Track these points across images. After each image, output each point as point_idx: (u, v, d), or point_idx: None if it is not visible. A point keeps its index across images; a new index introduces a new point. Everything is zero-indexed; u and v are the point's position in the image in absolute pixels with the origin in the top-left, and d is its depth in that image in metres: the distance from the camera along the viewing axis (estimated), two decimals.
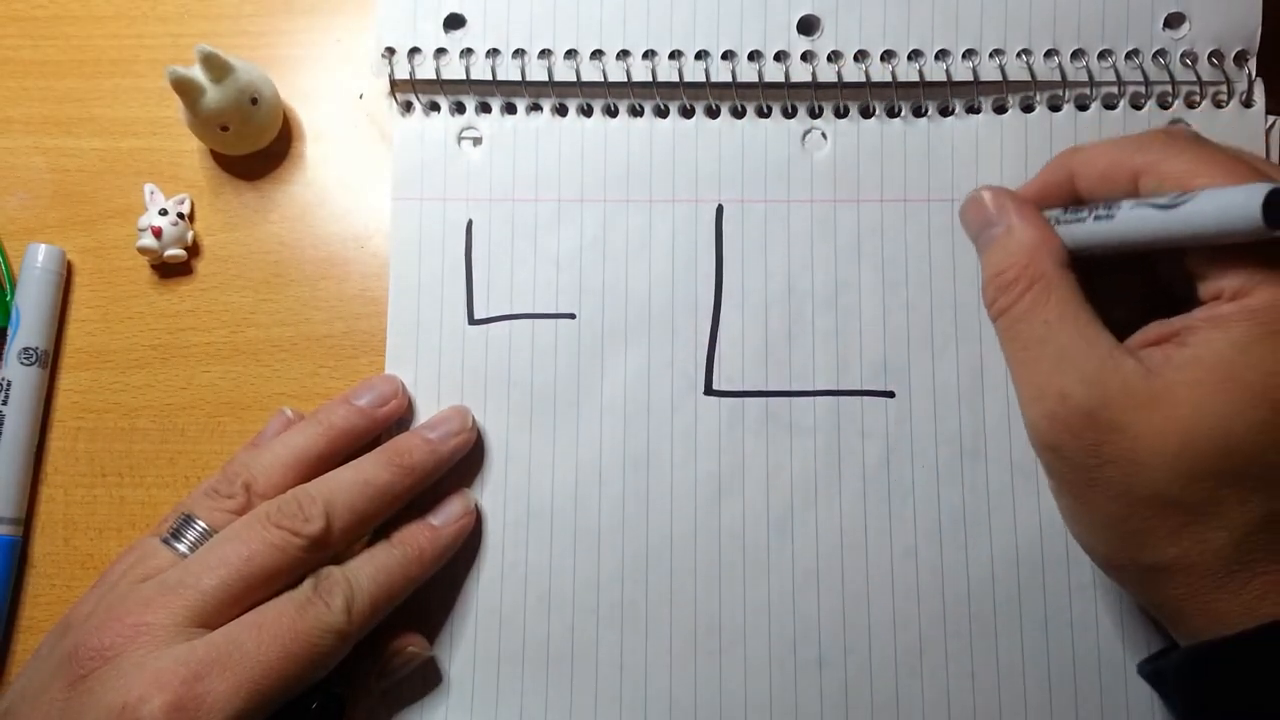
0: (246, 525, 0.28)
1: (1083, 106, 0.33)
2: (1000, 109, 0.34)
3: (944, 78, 0.33)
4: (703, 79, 0.34)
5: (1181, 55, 0.33)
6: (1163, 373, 0.23)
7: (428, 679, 0.32)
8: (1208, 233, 0.23)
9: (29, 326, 0.34)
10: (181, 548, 0.28)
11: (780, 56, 0.34)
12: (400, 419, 0.33)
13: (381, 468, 0.30)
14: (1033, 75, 0.33)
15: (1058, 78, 0.33)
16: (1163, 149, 0.25)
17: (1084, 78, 0.33)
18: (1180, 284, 0.26)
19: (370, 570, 0.29)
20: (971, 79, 0.33)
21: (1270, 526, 0.23)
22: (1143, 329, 0.25)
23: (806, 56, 0.34)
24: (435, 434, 0.31)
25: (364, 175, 0.36)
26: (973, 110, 0.34)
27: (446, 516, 0.31)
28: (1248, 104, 0.33)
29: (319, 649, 0.27)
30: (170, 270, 0.35)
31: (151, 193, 0.35)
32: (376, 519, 0.30)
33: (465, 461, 0.32)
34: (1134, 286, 0.28)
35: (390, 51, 0.34)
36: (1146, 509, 0.23)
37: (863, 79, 0.33)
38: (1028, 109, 0.34)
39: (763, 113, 0.34)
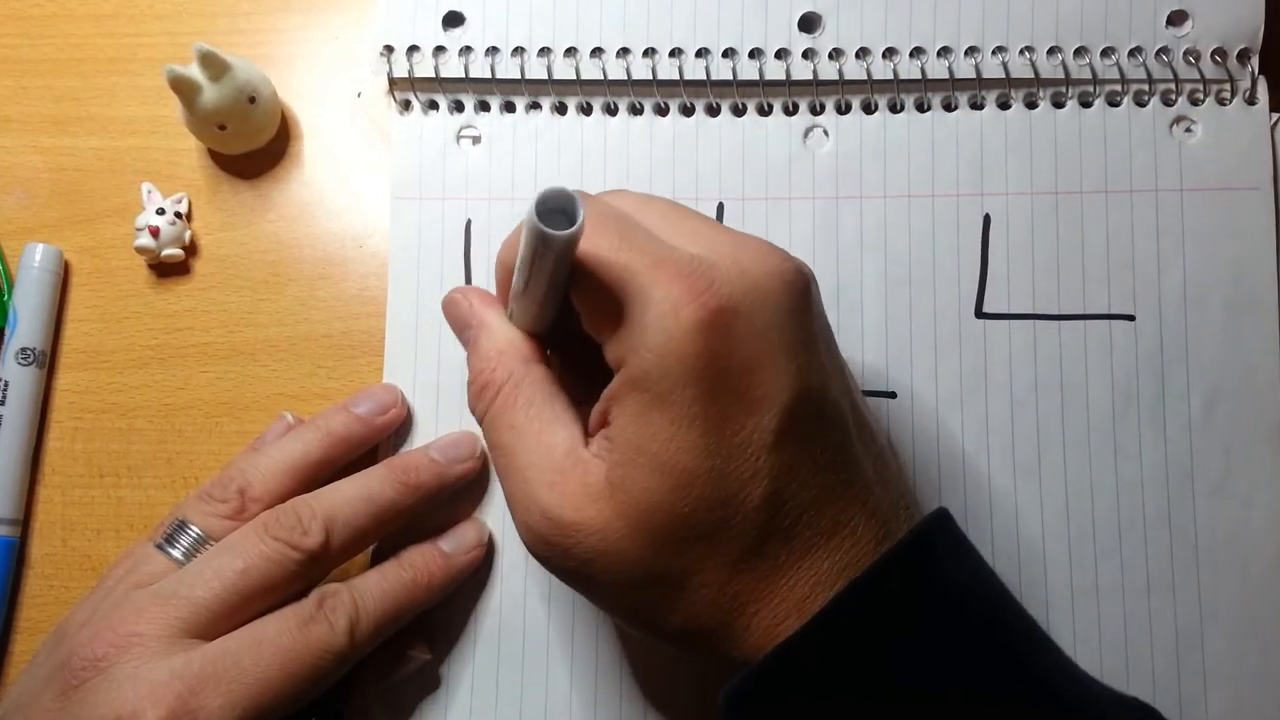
0: (243, 536, 0.28)
1: (1086, 103, 0.33)
2: (1004, 105, 0.33)
3: (946, 75, 0.33)
4: (703, 77, 0.33)
5: (1185, 53, 0.33)
6: (604, 459, 0.24)
7: (427, 680, 0.32)
8: (533, 248, 0.23)
9: (26, 327, 0.34)
10: (176, 553, 0.28)
11: (781, 54, 0.33)
12: (399, 427, 0.32)
13: (386, 485, 0.30)
14: (1036, 72, 0.33)
15: (1061, 75, 0.33)
16: None
17: (1087, 75, 0.33)
18: None
19: (378, 592, 0.29)
20: (974, 76, 0.33)
21: (741, 571, 0.23)
22: (594, 409, 0.25)
23: (808, 54, 0.33)
24: (443, 457, 0.31)
25: (362, 174, 0.36)
26: (976, 106, 0.33)
27: (459, 544, 0.31)
28: (1251, 101, 0.33)
29: (318, 669, 0.26)
30: (168, 270, 0.35)
31: (149, 192, 0.35)
32: (376, 536, 0.30)
33: None
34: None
35: (389, 50, 0.34)
36: (639, 591, 0.24)
37: (864, 77, 0.33)
38: (1031, 105, 0.33)
39: (764, 110, 0.34)
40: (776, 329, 0.23)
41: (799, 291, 0.24)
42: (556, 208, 0.22)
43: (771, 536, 0.23)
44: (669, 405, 0.22)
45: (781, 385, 0.23)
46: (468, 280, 0.33)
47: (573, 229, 0.21)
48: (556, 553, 0.24)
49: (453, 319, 0.29)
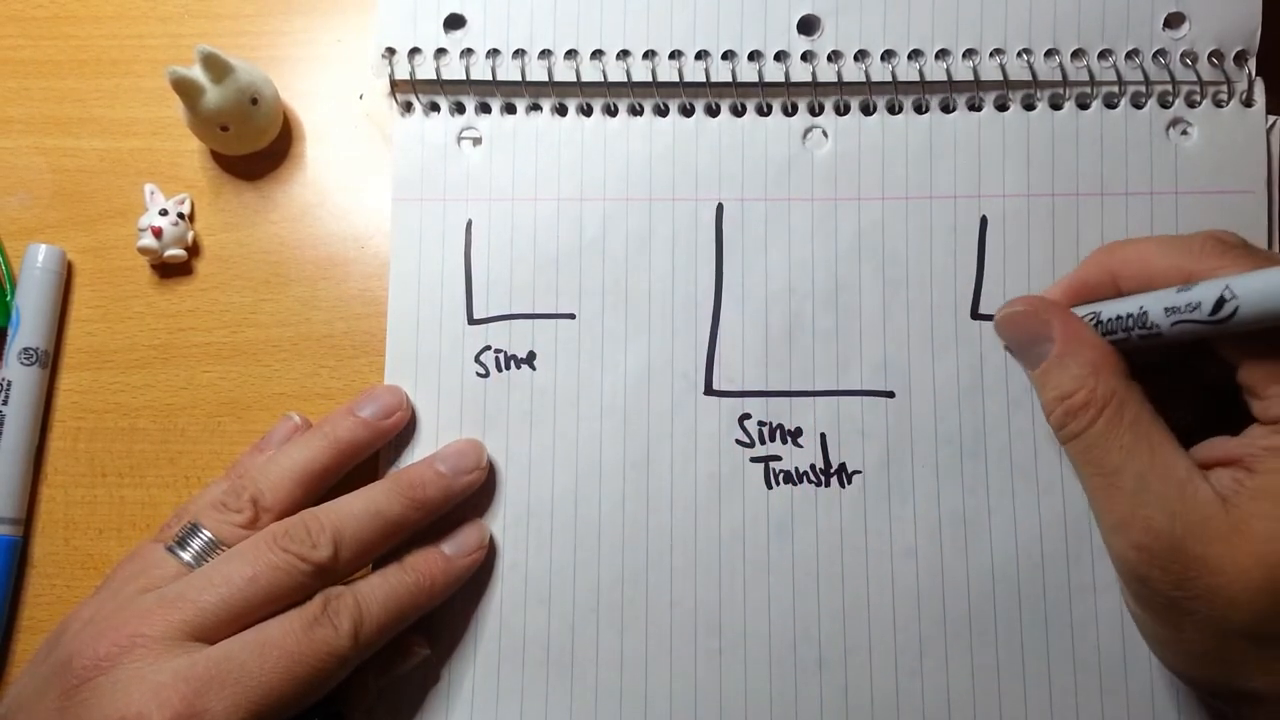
0: (253, 546, 0.28)
1: (1083, 105, 0.33)
2: (1002, 106, 0.34)
3: (944, 77, 0.33)
4: (703, 79, 0.34)
5: (1182, 55, 0.33)
6: (1238, 502, 0.23)
7: (427, 679, 0.32)
8: (1259, 322, 0.23)
9: (29, 327, 0.34)
10: (186, 556, 0.28)
11: (780, 56, 0.34)
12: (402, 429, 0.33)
13: (394, 501, 0.30)
14: (1034, 74, 0.33)
15: (1058, 77, 0.33)
16: (1219, 257, 0.25)
17: (1084, 77, 0.33)
18: (1234, 385, 0.25)
19: (381, 595, 0.29)
20: (972, 78, 0.33)
21: None
22: (1206, 444, 0.25)
23: (806, 56, 0.34)
24: (449, 468, 0.31)
25: (364, 175, 0.36)
26: (974, 107, 0.34)
27: (460, 547, 0.31)
28: (1248, 103, 0.33)
29: (322, 672, 0.27)
30: (170, 270, 0.35)
31: (152, 193, 0.35)
32: (381, 550, 0.30)
33: None
34: (1187, 383, 0.27)
35: (390, 52, 0.34)
36: (1239, 641, 0.23)
37: (863, 79, 0.33)
38: (1029, 107, 0.34)
39: (763, 111, 0.34)
40: None
41: None
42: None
43: None
44: None
45: None
46: (468, 281, 0.33)
47: None
48: (1168, 579, 0.24)
49: (1021, 330, 0.28)
